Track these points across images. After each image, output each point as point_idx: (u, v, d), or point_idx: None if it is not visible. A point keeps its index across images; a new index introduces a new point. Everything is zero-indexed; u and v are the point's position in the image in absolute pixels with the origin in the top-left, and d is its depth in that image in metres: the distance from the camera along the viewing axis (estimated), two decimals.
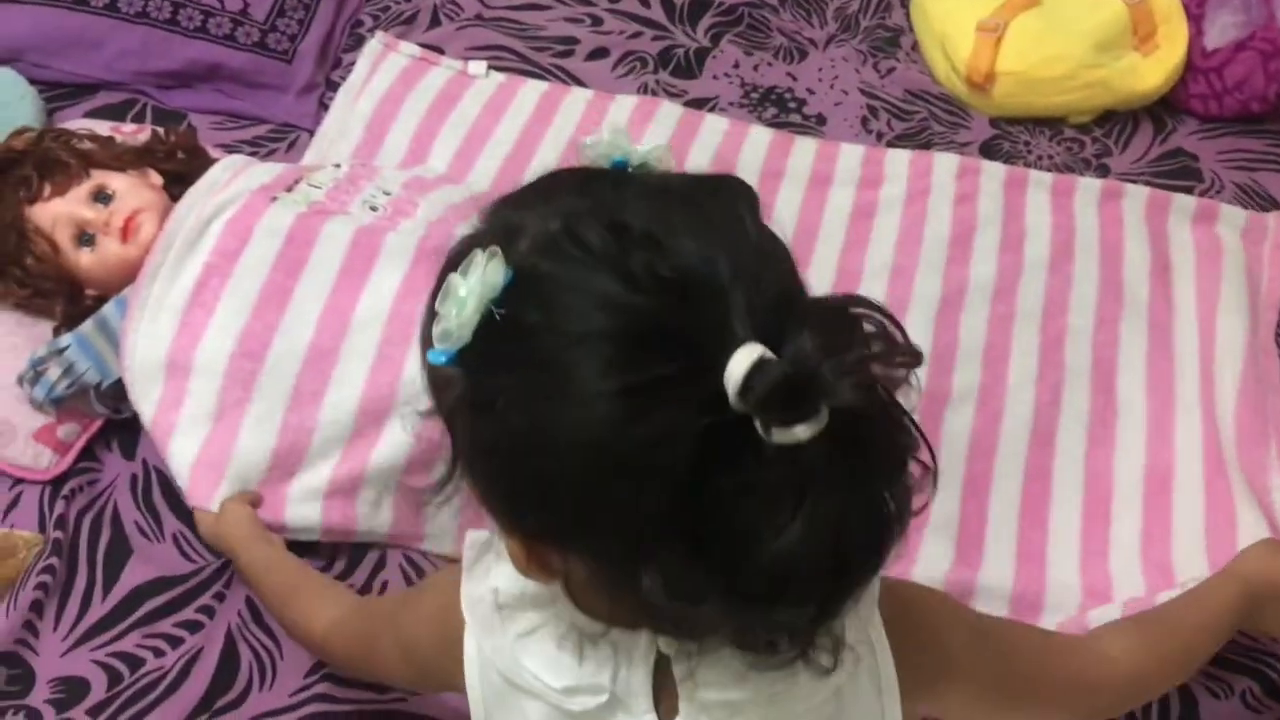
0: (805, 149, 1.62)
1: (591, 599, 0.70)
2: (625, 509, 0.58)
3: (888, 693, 0.75)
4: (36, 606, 1.19)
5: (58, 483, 1.30)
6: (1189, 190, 1.62)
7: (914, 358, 0.60)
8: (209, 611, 1.20)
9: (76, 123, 1.57)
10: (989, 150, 1.68)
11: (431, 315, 0.63)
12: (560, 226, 0.61)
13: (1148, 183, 1.61)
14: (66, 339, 1.31)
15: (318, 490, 1.21)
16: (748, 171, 1.58)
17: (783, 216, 1.53)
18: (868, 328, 0.59)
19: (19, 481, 1.30)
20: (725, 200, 0.64)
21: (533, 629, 0.75)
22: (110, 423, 1.33)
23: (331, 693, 1.15)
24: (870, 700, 0.75)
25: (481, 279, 0.60)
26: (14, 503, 1.29)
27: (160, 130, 1.51)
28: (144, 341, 1.26)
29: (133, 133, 1.56)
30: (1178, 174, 1.66)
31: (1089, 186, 1.57)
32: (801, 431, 0.55)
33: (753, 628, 0.63)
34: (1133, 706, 1.10)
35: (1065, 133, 1.71)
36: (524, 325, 0.60)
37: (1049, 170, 1.63)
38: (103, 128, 1.54)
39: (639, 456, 0.57)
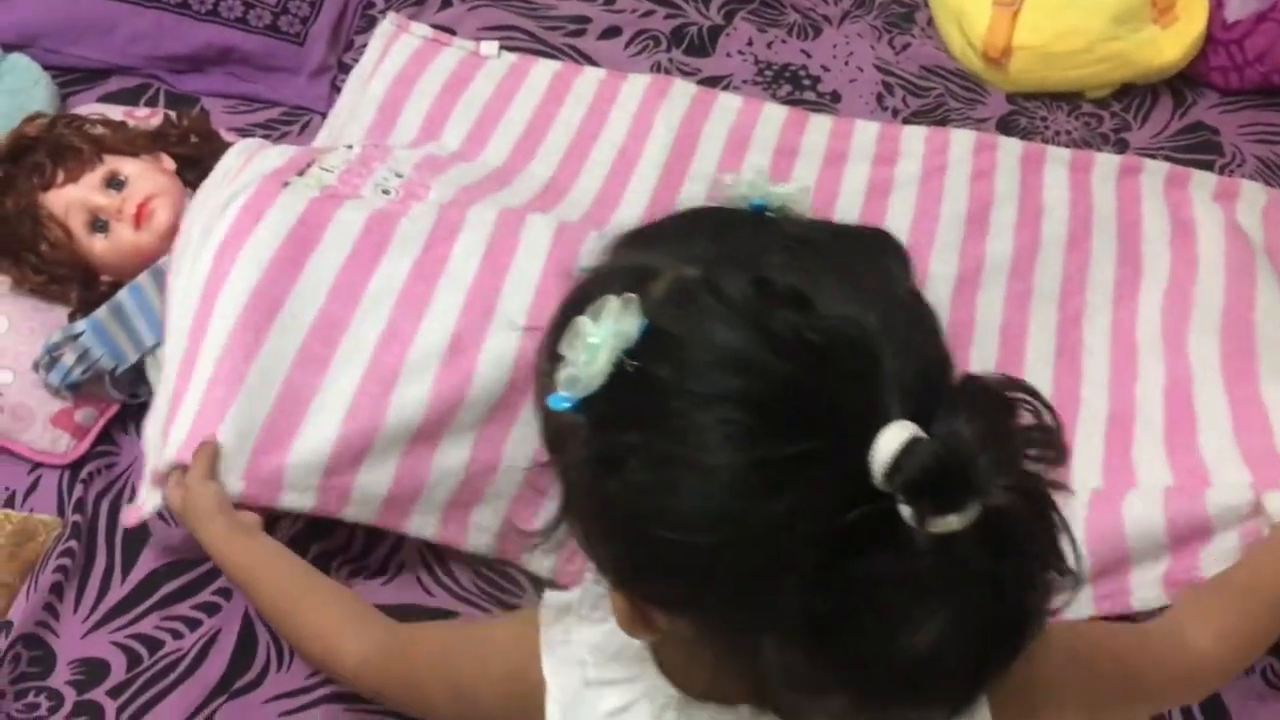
0: (820, 126, 1.61)
1: (693, 666, 0.67)
2: (748, 587, 0.55)
3: None
4: (56, 589, 1.20)
5: (76, 466, 1.31)
6: (1210, 165, 1.60)
7: (1065, 452, 0.56)
8: (226, 594, 1.20)
9: (89, 108, 1.58)
10: (1006, 126, 1.66)
11: (553, 358, 0.58)
12: (699, 275, 0.57)
13: (1167, 157, 1.60)
14: (81, 325, 1.32)
15: (316, 457, 1.14)
16: (762, 150, 1.57)
17: None
18: (1023, 414, 0.55)
19: (37, 465, 1.31)
20: (874, 256, 0.60)
21: (624, 706, 0.71)
22: (127, 407, 1.34)
23: None
24: None
25: (614, 328, 0.56)
26: (33, 486, 1.30)
27: (173, 114, 1.51)
28: (172, 336, 1.23)
29: (145, 117, 1.56)
30: (1198, 148, 1.64)
31: (1107, 162, 1.55)
32: (954, 521, 0.51)
33: None
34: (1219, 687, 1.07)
35: (1083, 107, 1.69)
36: (655, 380, 0.55)
37: (1067, 146, 1.61)
38: (116, 113, 1.54)
39: (768, 534, 0.53)
